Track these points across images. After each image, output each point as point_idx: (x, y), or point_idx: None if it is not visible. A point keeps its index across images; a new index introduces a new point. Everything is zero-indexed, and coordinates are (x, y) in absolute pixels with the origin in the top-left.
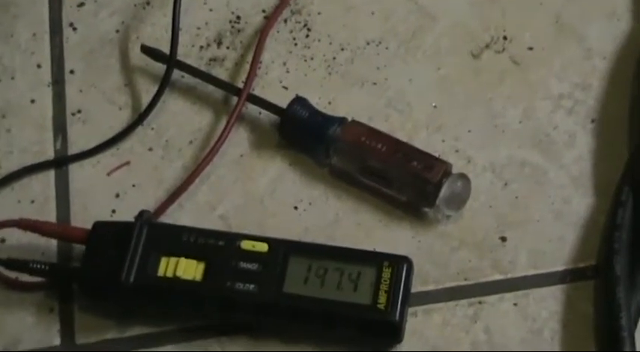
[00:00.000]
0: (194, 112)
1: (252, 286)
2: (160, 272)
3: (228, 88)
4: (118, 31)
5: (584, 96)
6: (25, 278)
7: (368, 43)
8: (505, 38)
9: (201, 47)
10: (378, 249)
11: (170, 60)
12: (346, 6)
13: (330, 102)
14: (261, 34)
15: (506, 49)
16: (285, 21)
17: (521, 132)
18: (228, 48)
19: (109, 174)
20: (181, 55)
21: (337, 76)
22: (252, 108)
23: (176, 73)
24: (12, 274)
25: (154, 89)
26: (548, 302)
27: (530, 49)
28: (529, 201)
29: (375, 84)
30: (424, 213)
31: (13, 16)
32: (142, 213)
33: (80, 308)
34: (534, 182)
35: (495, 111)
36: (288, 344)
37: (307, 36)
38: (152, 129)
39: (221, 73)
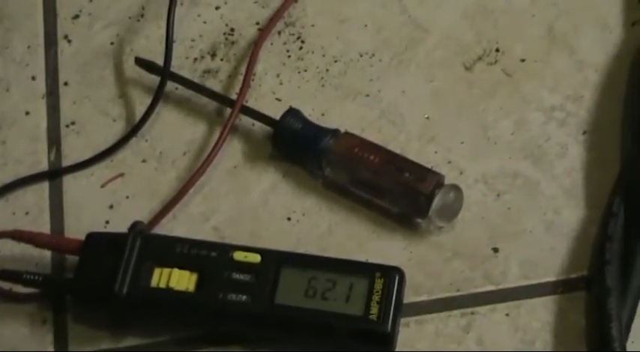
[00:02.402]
0: (188, 124)
1: (244, 297)
2: (154, 283)
3: (222, 99)
4: (112, 44)
5: (575, 107)
6: (19, 289)
7: (361, 55)
8: (497, 50)
9: (195, 59)
10: (371, 260)
11: (164, 72)
12: (339, 18)
13: (323, 114)
14: (255, 46)
15: (499, 61)
16: (279, 33)
17: (514, 143)
18: (222, 60)
19: (103, 186)
20: (175, 67)
21: (330, 88)
22: (245, 120)
23: (170, 85)
24: (5, 285)
25: (148, 101)
26: (540, 312)
27: (523, 61)
28: (521, 212)
29: (367, 96)
30: (416, 224)
31: (8, 28)
32: (135, 224)
33: (74, 319)
34: (526, 193)
35: (488, 122)
36: None
37: (301, 48)
38: (146, 140)
39: (215, 85)
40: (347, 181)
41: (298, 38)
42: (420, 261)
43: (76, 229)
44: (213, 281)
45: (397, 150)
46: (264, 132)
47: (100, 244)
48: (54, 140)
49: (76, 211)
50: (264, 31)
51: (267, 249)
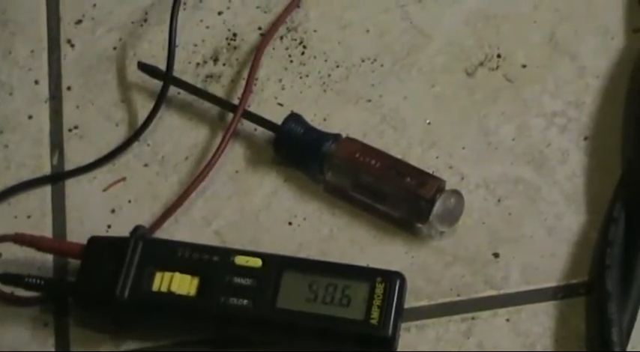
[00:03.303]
0: (190, 128)
1: (245, 301)
2: (155, 287)
3: (224, 104)
4: (115, 48)
5: (577, 113)
6: (21, 292)
7: (363, 61)
8: (499, 56)
9: (198, 64)
10: (372, 265)
11: (166, 76)
12: (341, 24)
13: (324, 119)
14: (257, 51)
15: (500, 66)
16: (281, 38)
17: (515, 149)
18: (224, 65)
19: (105, 190)
20: (178, 71)
21: (332, 93)
22: (247, 125)
23: (172, 90)
24: (7, 289)
25: (151, 105)
26: (541, 318)
27: (524, 66)
28: (522, 217)
29: (369, 101)
30: (417, 229)
31: (12, 32)
32: (137, 229)
33: (75, 323)
34: (527, 198)
35: (489, 128)
36: None
37: (303, 53)
38: (148, 145)
39: (217, 90)
40: (348, 186)
41: (300, 43)
42: (421, 265)
43: (78, 233)
44: (214, 286)
45: (399, 155)
46: (265, 136)
47: (101, 248)
48: (57, 144)
49: (78, 215)
50: (266, 36)
51: (268, 254)
